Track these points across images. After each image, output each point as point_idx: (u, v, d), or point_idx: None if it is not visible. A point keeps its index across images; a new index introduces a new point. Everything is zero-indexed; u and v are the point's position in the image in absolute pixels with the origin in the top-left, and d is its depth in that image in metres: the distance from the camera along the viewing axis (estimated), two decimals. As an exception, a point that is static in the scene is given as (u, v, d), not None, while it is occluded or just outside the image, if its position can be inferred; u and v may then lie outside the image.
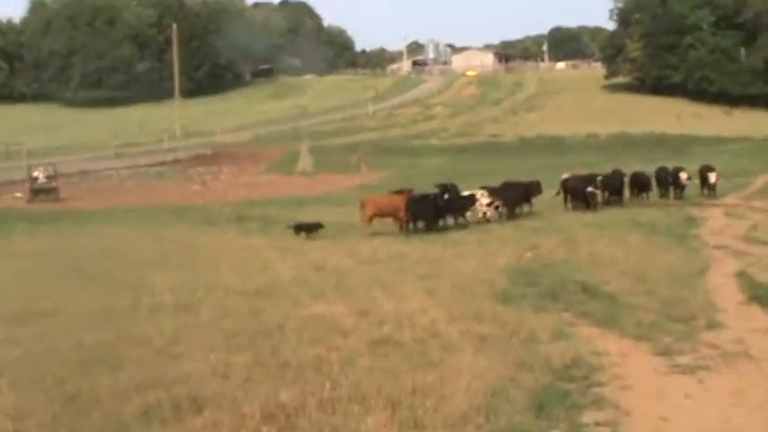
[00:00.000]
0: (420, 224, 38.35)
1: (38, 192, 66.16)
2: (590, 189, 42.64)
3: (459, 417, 10.93)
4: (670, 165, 50.74)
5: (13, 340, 17.28)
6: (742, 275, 21.88)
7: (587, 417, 11.02)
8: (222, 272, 26.60)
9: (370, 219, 38.92)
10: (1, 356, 15.84)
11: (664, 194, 47.05)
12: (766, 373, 13.00)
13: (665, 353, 14.29)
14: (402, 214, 38.68)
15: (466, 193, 40.56)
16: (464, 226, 38.55)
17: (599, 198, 43.38)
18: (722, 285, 20.67)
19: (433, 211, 38.55)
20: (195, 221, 47.01)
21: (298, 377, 13.51)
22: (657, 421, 10.81)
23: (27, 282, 27.37)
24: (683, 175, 47.33)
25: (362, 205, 39.69)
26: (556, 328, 16.17)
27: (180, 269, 27.76)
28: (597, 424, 10.78)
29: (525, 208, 42.61)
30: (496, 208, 40.38)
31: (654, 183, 46.92)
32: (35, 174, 68.87)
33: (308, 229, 37.95)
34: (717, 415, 11.06)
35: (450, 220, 39.38)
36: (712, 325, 16.36)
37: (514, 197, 41.74)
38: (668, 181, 47.35)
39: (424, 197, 39.84)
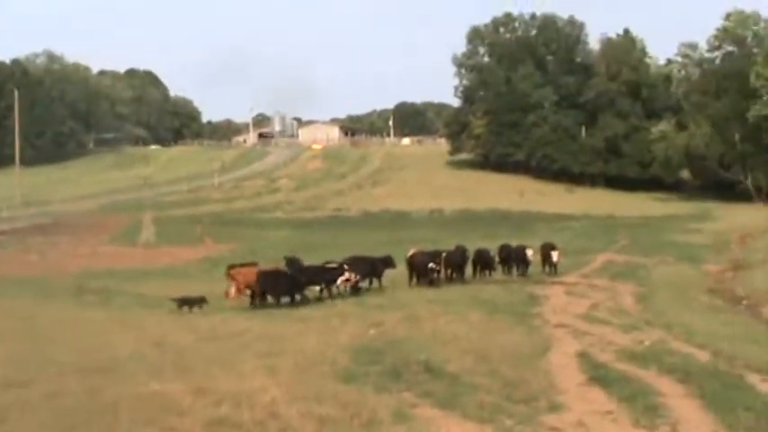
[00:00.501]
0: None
1: None
2: (431, 265, 42.65)
3: None
4: (513, 242, 51.17)
5: None
6: (582, 356, 21.96)
7: None
8: (58, 347, 25.67)
9: (240, 290, 38.51)
10: None
11: (507, 272, 47.26)
12: (607, 457, 12.87)
13: (507, 437, 14.06)
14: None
15: (333, 266, 40.43)
16: (308, 301, 38.02)
17: (440, 274, 43.45)
18: (563, 366, 20.66)
19: (286, 284, 38.24)
20: (33, 293, 45.51)
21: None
22: None
23: None
24: (529, 252, 47.68)
25: (232, 277, 39.22)
26: (397, 410, 15.77)
27: (13, 343, 26.71)
28: None
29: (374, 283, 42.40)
30: (356, 282, 40.17)
31: (497, 260, 47.08)
32: None
33: (192, 303, 37.39)
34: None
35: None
36: (553, 407, 16.20)
37: (362, 272, 41.51)
38: (512, 258, 47.64)
39: (276, 271, 39.55)
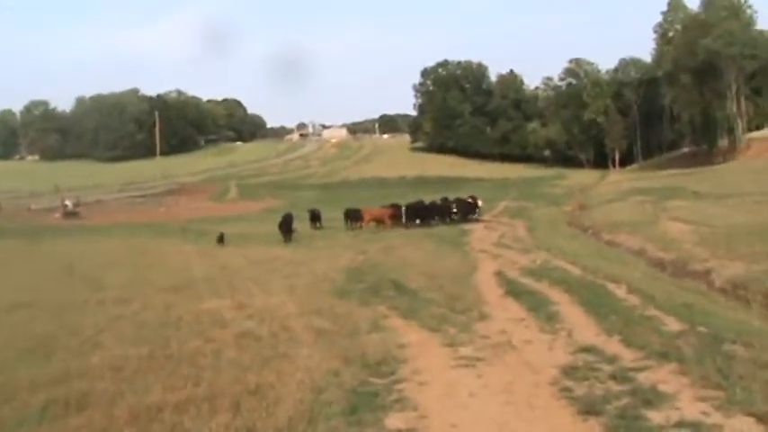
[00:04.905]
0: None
1: (67, 214, 61.34)
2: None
3: (286, 422, 7.45)
4: (450, 195, 48.19)
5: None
6: (498, 273, 18.91)
7: (391, 420, 7.54)
8: (158, 271, 22.83)
9: (368, 222, 36.40)
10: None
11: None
12: (526, 362, 9.78)
13: (451, 344, 10.90)
14: (386, 219, 36.80)
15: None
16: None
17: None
18: (486, 282, 17.61)
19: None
20: (155, 233, 42.87)
21: (173, 371, 9.97)
22: (449, 428, 7.33)
23: (27, 277, 23.40)
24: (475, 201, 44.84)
25: (362, 214, 37.79)
26: (374, 321, 12.83)
27: (131, 269, 23.86)
28: (399, 430, 7.29)
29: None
30: None
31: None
32: (66, 202, 65.25)
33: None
34: (496, 416, 7.63)
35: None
36: (483, 316, 13.10)
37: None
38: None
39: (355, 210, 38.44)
